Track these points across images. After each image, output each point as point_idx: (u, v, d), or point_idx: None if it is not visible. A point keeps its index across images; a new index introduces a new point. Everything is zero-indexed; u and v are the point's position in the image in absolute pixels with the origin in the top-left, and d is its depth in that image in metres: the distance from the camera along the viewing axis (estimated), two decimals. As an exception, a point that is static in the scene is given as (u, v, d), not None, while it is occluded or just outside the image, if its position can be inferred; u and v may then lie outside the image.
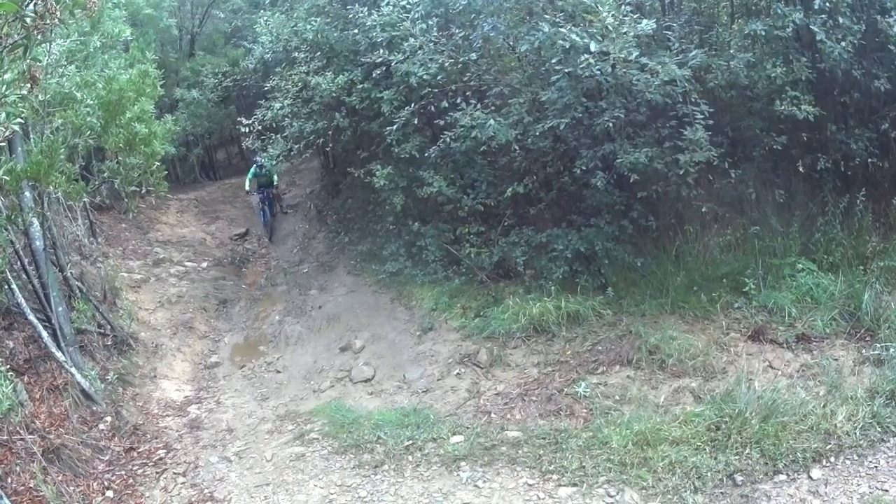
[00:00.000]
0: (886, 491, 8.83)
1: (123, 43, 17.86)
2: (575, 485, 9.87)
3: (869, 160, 13.58)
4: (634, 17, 11.71)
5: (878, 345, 11.40)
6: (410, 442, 11.42)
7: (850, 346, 11.83)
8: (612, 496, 9.54)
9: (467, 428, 11.74)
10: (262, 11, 21.23)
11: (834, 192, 13.93)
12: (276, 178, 27.05)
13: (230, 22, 35.05)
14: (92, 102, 14.00)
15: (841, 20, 11.96)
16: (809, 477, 9.27)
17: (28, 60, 8.17)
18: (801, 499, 8.98)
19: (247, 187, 26.85)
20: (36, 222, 13.37)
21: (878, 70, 12.83)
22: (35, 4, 7.60)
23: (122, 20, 17.42)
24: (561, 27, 11.79)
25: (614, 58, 11.40)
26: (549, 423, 11.52)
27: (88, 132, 14.39)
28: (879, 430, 9.77)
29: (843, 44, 11.83)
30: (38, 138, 12.57)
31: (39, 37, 8.31)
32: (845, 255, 13.23)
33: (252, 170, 26.35)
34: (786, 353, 11.98)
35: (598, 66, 11.49)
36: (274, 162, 21.51)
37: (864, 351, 11.57)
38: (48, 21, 7.98)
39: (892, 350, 11.02)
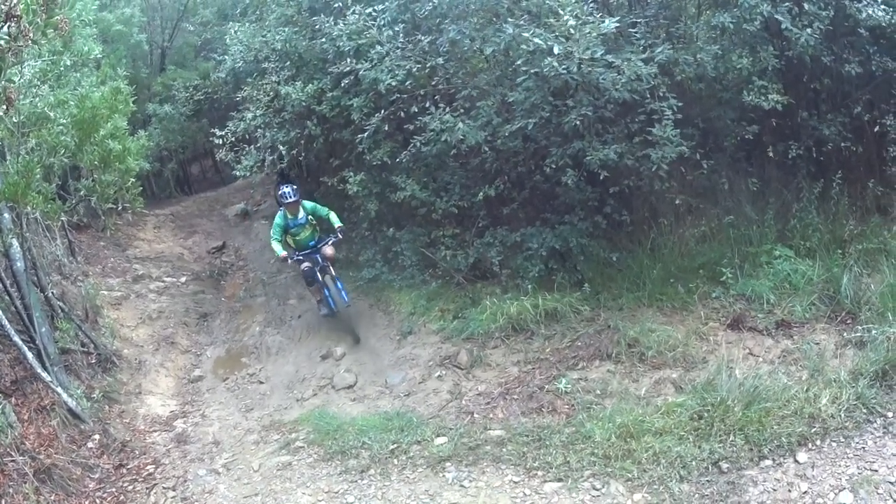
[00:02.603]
0: (875, 471, 8.91)
1: (95, 60, 17.81)
2: (560, 480, 9.92)
3: (842, 144, 13.77)
4: (598, 15, 11.77)
5: (860, 327, 11.49)
6: (395, 445, 11.45)
7: (830, 329, 11.95)
8: (597, 489, 9.59)
9: (451, 429, 11.79)
10: (231, 23, 21.24)
11: (808, 177, 14.12)
12: (331, 216, 16.32)
13: (200, 35, 34.94)
14: (65, 121, 14.00)
15: (807, 6, 12.05)
16: (796, 461, 9.33)
17: (3, 82, 8.18)
18: (788, 483, 9.04)
19: (277, 250, 16.09)
20: (15, 243, 13.42)
21: (849, 54, 12.98)
22: (9, 27, 7.62)
23: (92, 38, 17.43)
24: (524, 30, 11.84)
25: (579, 58, 11.43)
26: (532, 420, 11.61)
27: (63, 151, 14.36)
28: (865, 411, 9.84)
29: (808, 30, 11.90)
30: (13, 159, 12.53)
31: (13, 58, 8.33)
32: (822, 239, 13.39)
33: (279, 217, 16.40)
34: (766, 340, 12.09)
35: (563, 66, 11.53)
36: (244, 170, 21.18)
37: (845, 334, 11.68)
38: (21, 42, 8.00)
39: (874, 332, 11.08)
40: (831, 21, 12.27)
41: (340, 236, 16.34)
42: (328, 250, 16.30)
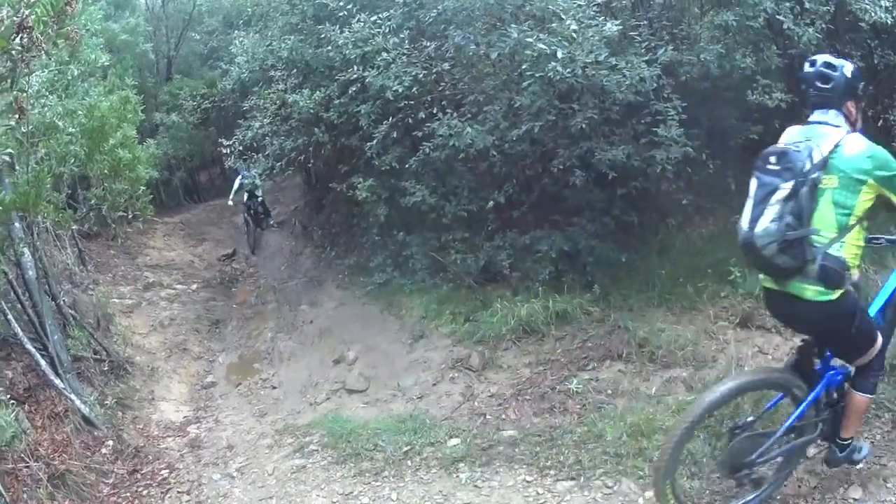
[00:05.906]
0: (884, 465, 8.86)
1: (102, 70, 17.86)
2: (573, 479, 9.88)
3: (847, 140, 13.70)
4: (601, 18, 11.82)
5: (870, 320, 11.45)
6: (409, 447, 11.44)
7: (840, 324, 11.90)
8: (609, 487, 9.56)
9: (463, 430, 11.78)
10: (236, 32, 21.36)
11: (814, 175, 14.02)
12: None
13: (206, 44, 35.24)
14: (74, 130, 14.10)
15: (808, 4, 12.06)
16: (805, 456, 9.32)
17: (14, 92, 8.29)
18: (798, 478, 9.00)
19: None
20: (27, 252, 13.49)
21: (851, 49, 12.97)
22: (21, 38, 7.74)
23: (99, 47, 17.47)
24: (528, 34, 11.89)
25: (583, 61, 11.48)
26: (544, 420, 11.60)
27: (73, 160, 14.47)
28: (873, 406, 9.77)
29: (811, 29, 11.93)
30: (23, 169, 12.59)
31: (26, 69, 8.44)
32: (829, 236, 13.30)
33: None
34: (775, 338, 12.01)
35: (568, 70, 11.58)
36: (258, 181, 21.22)
37: (854, 329, 11.63)
38: (34, 53, 8.11)
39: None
40: (832, 17, 12.33)
41: None
42: None
